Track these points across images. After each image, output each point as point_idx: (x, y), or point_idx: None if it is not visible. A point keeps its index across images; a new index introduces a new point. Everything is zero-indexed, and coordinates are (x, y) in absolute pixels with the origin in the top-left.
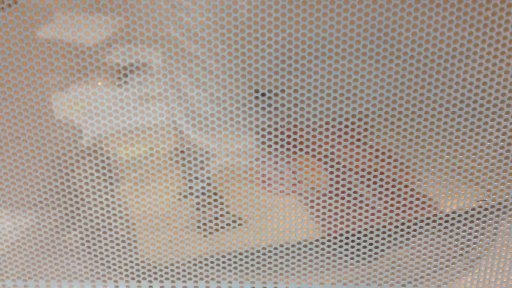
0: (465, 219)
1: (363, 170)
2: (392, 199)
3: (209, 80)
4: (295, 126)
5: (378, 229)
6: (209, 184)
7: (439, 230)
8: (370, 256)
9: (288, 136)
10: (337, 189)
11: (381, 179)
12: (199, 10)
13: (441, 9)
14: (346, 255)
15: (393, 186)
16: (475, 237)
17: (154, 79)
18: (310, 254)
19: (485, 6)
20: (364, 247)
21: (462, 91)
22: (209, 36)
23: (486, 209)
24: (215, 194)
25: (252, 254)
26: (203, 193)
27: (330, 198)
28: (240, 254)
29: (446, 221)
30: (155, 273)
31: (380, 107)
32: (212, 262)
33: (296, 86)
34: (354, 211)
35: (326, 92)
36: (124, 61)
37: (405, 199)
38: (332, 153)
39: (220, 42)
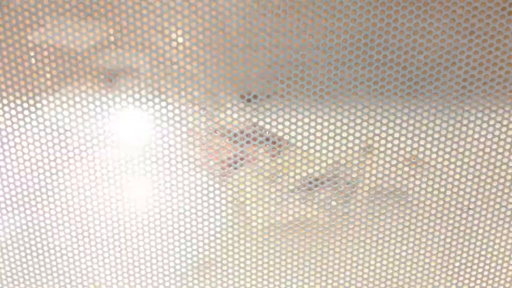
0: (449, 226)
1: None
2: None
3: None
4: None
5: None
6: None
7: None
8: None
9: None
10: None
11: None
12: (181, 20)
13: (427, 16)
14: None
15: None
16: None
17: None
18: None
19: (471, 13)
20: None
21: (447, 98)
22: (193, 44)
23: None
24: None
25: None
26: None
27: None
28: None
29: (428, 231)
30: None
31: (365, 114)
32: None
33: (281, 92)
34: None
35: (312, 98)
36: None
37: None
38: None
39: (203, 50)
